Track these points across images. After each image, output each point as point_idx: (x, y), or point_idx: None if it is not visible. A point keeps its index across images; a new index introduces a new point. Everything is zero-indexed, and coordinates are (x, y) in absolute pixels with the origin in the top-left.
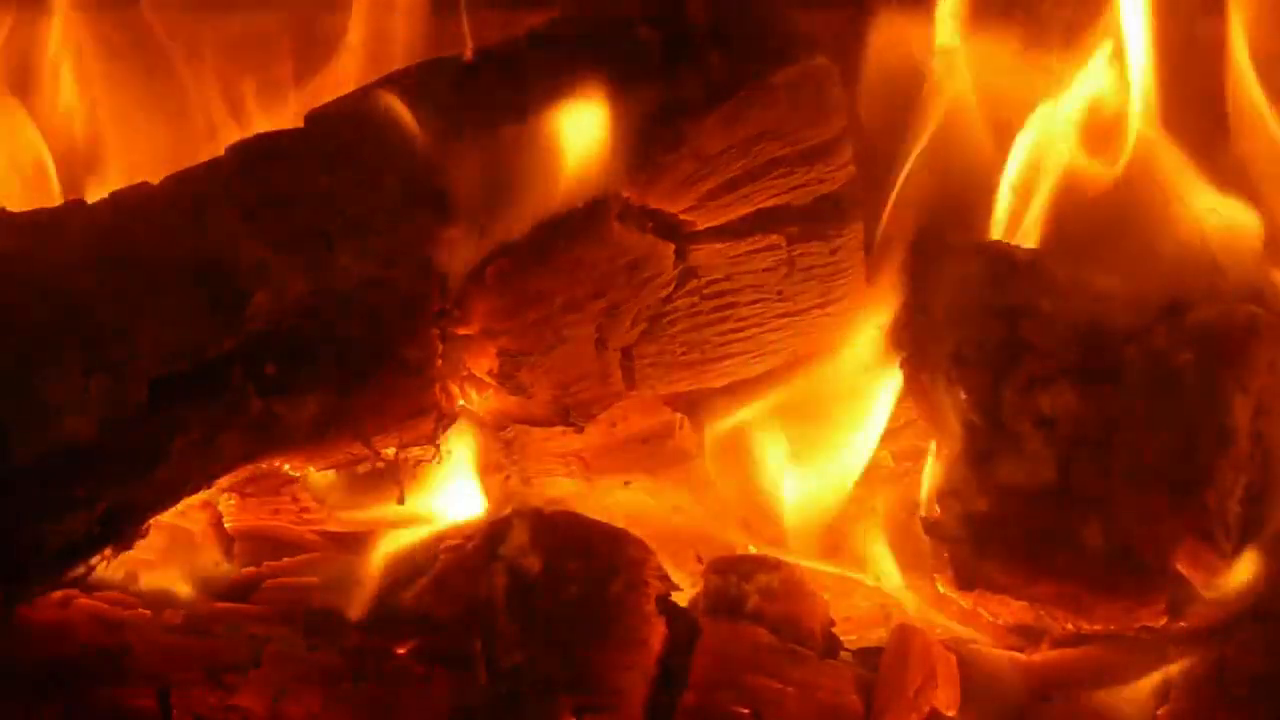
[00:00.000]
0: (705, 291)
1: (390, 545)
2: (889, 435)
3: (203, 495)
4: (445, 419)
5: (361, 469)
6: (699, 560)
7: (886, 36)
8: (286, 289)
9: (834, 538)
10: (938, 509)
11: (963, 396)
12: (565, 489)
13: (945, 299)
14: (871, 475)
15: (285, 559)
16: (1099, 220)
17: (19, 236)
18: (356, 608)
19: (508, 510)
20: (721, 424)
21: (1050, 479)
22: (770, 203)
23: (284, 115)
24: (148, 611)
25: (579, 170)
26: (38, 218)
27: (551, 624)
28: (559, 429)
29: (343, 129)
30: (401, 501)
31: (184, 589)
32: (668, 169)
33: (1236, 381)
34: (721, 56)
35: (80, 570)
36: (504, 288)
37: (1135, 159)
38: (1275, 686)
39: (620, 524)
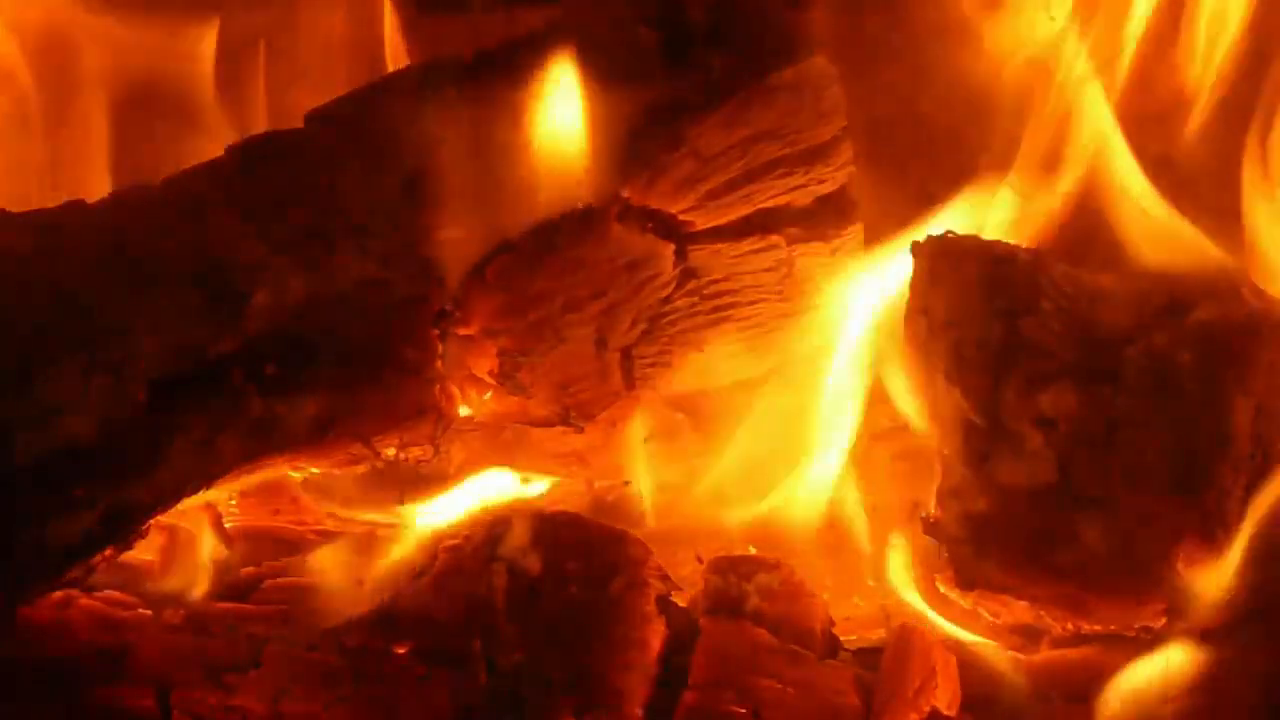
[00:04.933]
0: (705, 291)
1: (390, 545)
2: (889, 435)
3: (203, 495)
4: (445, 419)
5: (361, 469)
6: (699, 560)
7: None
8: (286, 289)
9: (834, 538)
10: (938, 509)
11: (963, 396)
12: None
13: (945, 299)
14: (871, 475)
15: (285, 559)
16: (1099, 220)
17: (19, 236)
18: (356, 608)
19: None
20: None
21: (1050, 479)
22: (770, 203)
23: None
24: (148, 611)
25: (579, 170)
26: (38, 218)
27: (551, 624)
28: (559, 429)
29: (343, 129)
30: (403, 502)
31: (184, 589)
32: (668, 169)
33: (1237, 382)
34: (721, 56)
35: (80, 570)
36: (504, 288)
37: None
38: (1275, 686)
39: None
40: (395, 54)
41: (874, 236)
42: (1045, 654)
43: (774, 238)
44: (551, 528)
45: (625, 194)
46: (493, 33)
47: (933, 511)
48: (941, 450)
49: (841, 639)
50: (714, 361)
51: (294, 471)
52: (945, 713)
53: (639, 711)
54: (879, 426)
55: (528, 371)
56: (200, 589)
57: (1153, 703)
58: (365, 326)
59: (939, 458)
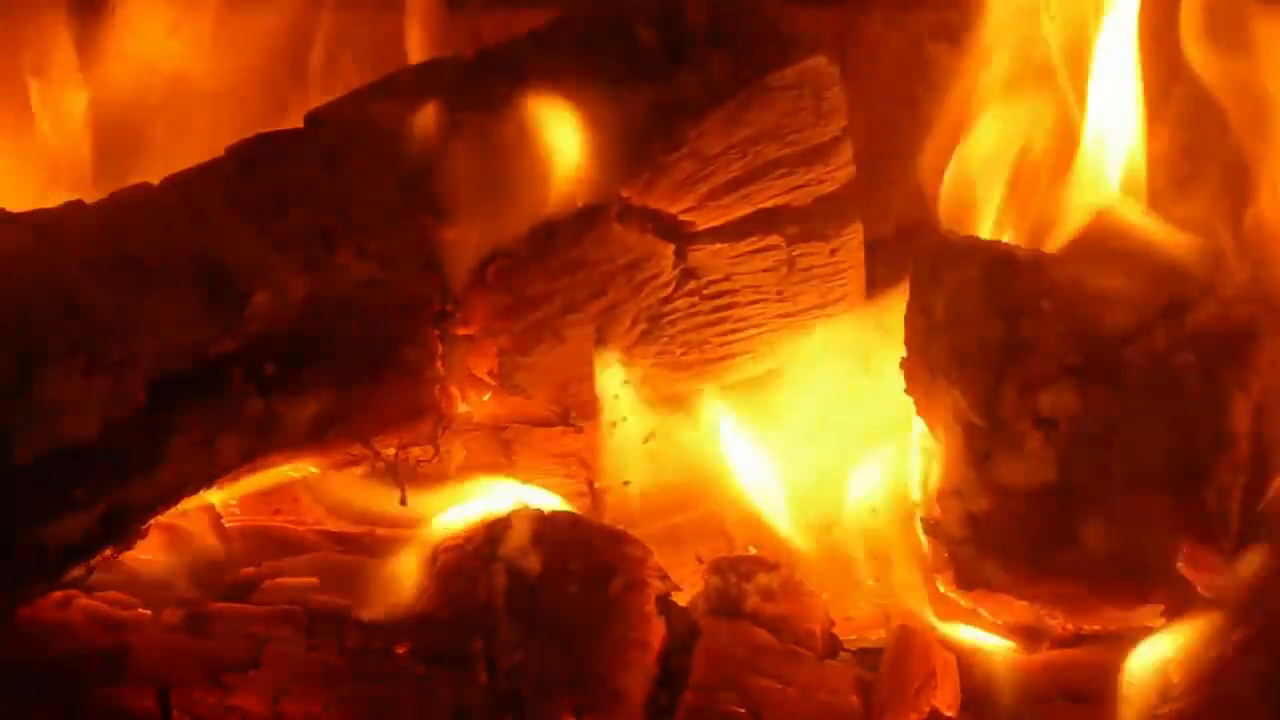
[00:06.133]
0: (705, 292)
1: (390, 546)
2: (888, 435)
3: (203, 495)
4: (445, 419)
5: (361, 469)
6: (699, 560)
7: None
8: (286, 289)
9: (834, 538)
10: (938, 509)
11: (962, 396)
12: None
13: (946, 299)
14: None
15: (285, 559)
16: (1099, 220)
17: (19, 236)
18: (356, 608)
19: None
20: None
21: (1050, 479)
22: (770, 203)
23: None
24: (148, 611)
25: (579, 171)
26: (38, 218)
27: (551, 624)
28: (559, 429)
29: (343, 129)
30: (403, 502)
31: (184, 589)
32: (668, 169)
33: (1236, 381)
34: (721, 56)
35: (80, 570)
36: (504, 288)
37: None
38: (1275, 686)
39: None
40: (400, 53)
41: (874, 236)
42: (1045, 654)
43: (774, 238)
44: (551, 528)
45: (625, 194)
46: (493, 32)
47: (933, 511)
48: (941, 450)
49: (841, 639)
50: (713, 361)
51: (294, 471)
52: (945, 713)
53: (639, 711)
54: (879, 426)
55: (528, 372)
56: (199, 589)
57: (1152, 702)
58: (365, 326)
59: (939, 458)
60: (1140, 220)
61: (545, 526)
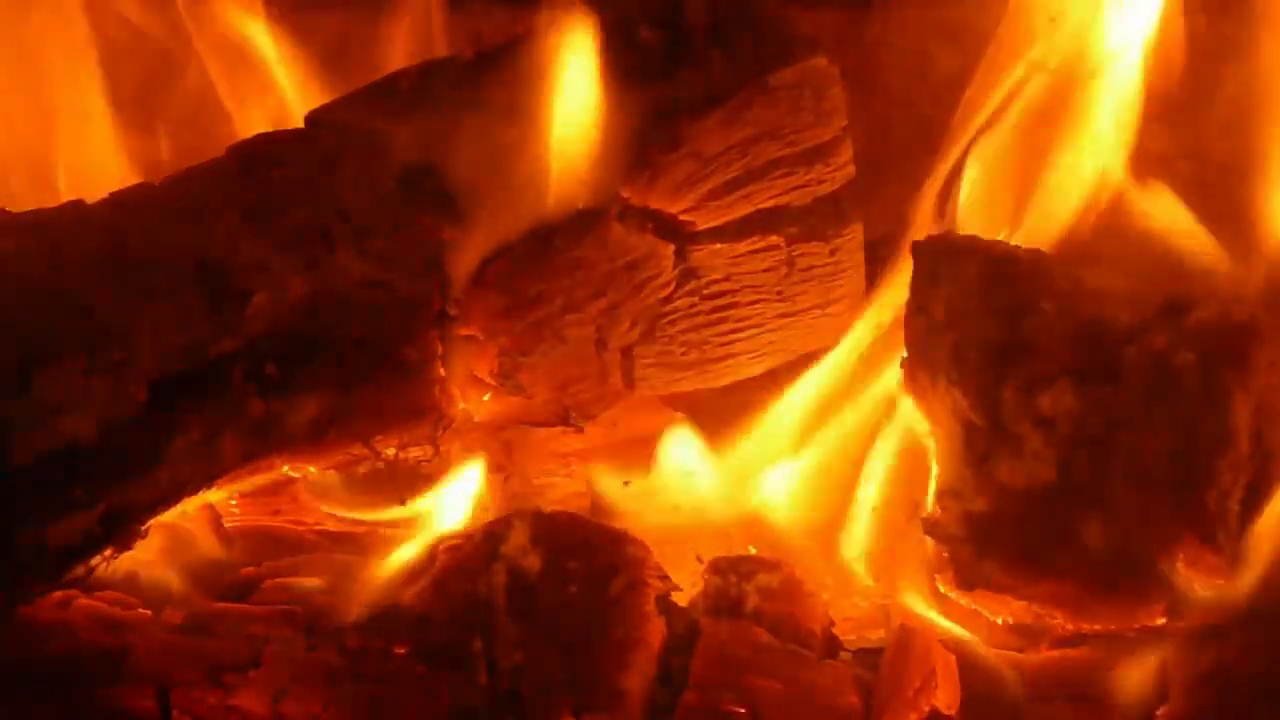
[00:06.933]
0: (705, 292)
1: (390, 545)
2: (888, 435)
3: (203, 495)
4: (445, 420)
5: (361, 469)
6: (699, 560)
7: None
8: (286, 289)
9: (834, 538)
10: (938, 509)
11: (963, 396)
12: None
13: (945, 299)
14: (871, 475)
15: (285, 559)
16: (1099, 220)
17: (19, 236)
18: (356, 608)
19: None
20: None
21: (1050, 479)
22: (770, 203)
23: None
24: (148, 611)
25: (579, 171)
26: (38, 218)
27: (551, 624)
28: (559, 429)
29: (342, 130)
30: (402, 502)
31: (184, 589)
32: (668, 169)
33: (1236, 381)
34: (721, 56)
35: (80, 570)
36: (504, 288)
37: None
38: (1275, 686)
39: (620, 524)
40: (400, 54)
41: (873, 237)
42: (1045, 654)
43: (774, 238)
44: (551, 528)
45: (625, 194)
46: (493, 32)
47: (933, 511)
48: (941, 450)
49: (841, 639)
50: (713, 361)
51: (294, 471)
52: (945, 713)
53: (639, 711)
54: (879, 426)
55: (528, 372)
56: (199, 589)
57: (1152, 702)
58: (365, 326)
59: (939, 458)
60: (1149, 212)
61: (545, 526)
